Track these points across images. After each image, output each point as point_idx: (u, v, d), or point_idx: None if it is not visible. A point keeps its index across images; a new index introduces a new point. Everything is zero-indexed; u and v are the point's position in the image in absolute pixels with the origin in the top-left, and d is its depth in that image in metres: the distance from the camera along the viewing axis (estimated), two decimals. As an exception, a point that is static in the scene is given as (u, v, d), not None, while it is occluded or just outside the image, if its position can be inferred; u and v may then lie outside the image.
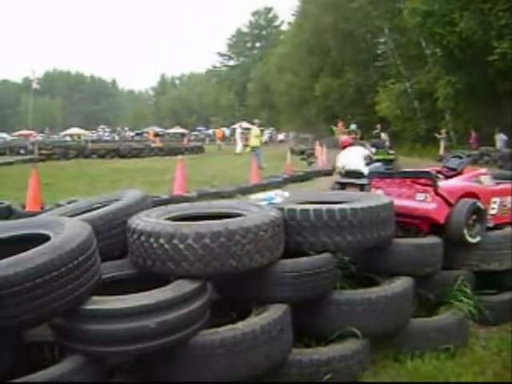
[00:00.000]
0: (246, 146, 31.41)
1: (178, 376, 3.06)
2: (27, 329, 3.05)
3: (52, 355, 3.17)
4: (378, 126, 27.90)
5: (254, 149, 22.73)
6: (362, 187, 8.76)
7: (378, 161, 6.81)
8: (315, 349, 3.63)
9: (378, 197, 4.50)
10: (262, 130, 23.98)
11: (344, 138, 12.88)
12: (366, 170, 9.05)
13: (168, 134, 68.47)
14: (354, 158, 10.63)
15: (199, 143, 49.07)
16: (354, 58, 43.17)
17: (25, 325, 2.83)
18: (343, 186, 10.09)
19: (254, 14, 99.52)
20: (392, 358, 3.91)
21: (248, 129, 41.40)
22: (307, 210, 3.80)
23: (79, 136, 58.61)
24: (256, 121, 25.26)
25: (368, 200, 4.14)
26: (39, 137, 54.93)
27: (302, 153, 31.59)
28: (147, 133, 63.21)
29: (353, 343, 3.64)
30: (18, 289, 2.62)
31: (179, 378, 3.06)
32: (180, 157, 14.89)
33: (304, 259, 3.67)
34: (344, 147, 11.68)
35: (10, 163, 27.97)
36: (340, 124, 37.24)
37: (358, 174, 9.74)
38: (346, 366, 3.52)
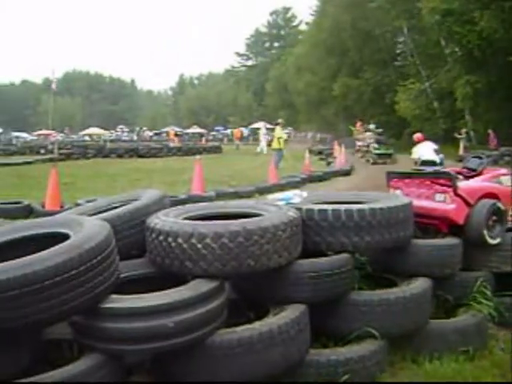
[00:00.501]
0: (269, 145, 31.26)
1: (196, 375, 3.07)
2: (46, 327, 3.07)
3: (71, 353, 3.20)
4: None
5: (275, 150, 22.66)
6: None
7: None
8: (333, 349, 3.61)
9: (396, 197, 4.47)
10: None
11: (418, 134, 15.64)
12: (437, 160, 11.34)
13: (186, 133, 68.63)
14: (427, 150, 13.42)
15: (217, 143, 49.18)
16: (373, 58, 43.06)
17: (44, 323, 2.86)
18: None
19: (272, 13, 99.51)
20: (410, 359, 3.88)
21: (271, 129, 41.42)
22: (325, 210, 3.79)
23: (100, 136, 59.00)
24: (280, 121, 25.06)
25: (387, 200, 4.12)
26: (59, 136, 55.42)
27: (321, 153, 31.54)
28: (167, 133, 63.38)
29: (371, 344, 3.62)
30: (38, 287, 2.64)
31: (196, 378, 3.07)
32: (198, 157, 14.93)
33: (322, 259, 3.66)
34: (418, 142, 14.55)
35: (30, 163, 28.21)
36: (358, 124, 37.11)
37: (431, 163, 10.86)
38: (364, 367, 3.50)
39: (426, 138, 15.43)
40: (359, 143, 30.81)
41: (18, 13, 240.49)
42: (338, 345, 3.69)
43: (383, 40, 42.52)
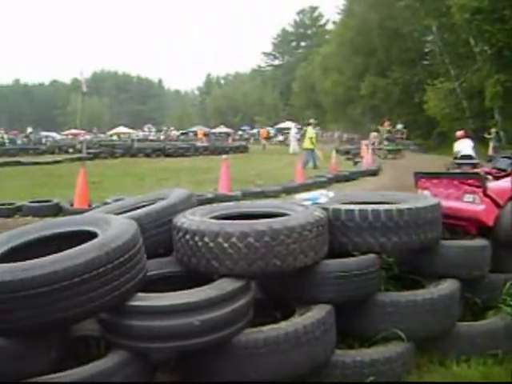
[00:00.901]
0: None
1: (221, 374, 3.08)
2: (74, 323, 3.11)
3: (98, 350, 3.24)
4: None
5: (307, 150, 22.61)
6: (473, 166, 13.86)
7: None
8: (359, 350, 3.59)
9: (424, 198, 4.43)
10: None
11: (460, 132, 18.06)
12: (474, 155, 15.26)
13: (213, 133, 68.85)
14: (466, 146, 16.31)
15: (244, 143, 49.20)
16: (401, 57, 42.66)
17: (72, 319, 2.89)
18: (459, 165, 15.31)
19: (299, 13, 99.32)
20: (437, 362, 3.83)
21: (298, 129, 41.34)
22: (352, 211, 3.77)
23: (127, 135, 59.53)
24: (311, 120, 24.95)
25: (415, 201, 4.08)
26: (87, 136, 56.00)
27: (347, 152, 31.38)
28: (195, 132, 63.67)
29: (397, 346, 3.59)
30: (67, 284, 2.68)
31: (222, 377, 3.08)
32: (225, 156, 14.96)
33: (348, 260, 3.65)
34: (459, 139, 17.26)
35: (59, 162, 28.57)
36: (386, 124, 36.85)
37: (468, 157, 15.30)
38: (390, 369, 3.47)
39: (466, 136, 17.78)
40: (365, 142, 32.07)
41: (47, 14, 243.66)
42: (363, 346, 3.67)
43: (411, 39, 42.11)
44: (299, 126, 51.60)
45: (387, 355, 3.49)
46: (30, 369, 2.75)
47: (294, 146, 34.11)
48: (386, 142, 32.66)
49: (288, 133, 59.97)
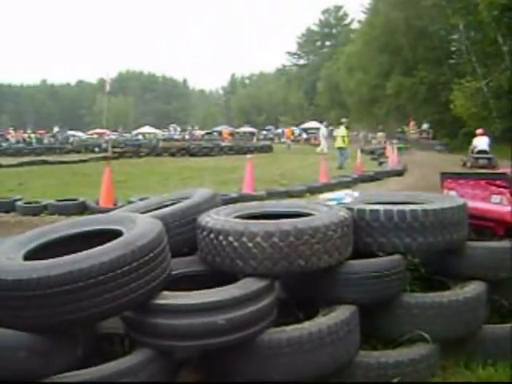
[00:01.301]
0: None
1: (244, 373, 3.08)
2: (99, 321, 3.13)
3: (122, 347, 3.26)
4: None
5: (339, 149, 22.55)
6: (489, 160, 19.59)
7: None
8: (383, 352, 3.56)
9: (450, 198, 4.38)
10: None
11: (480, 130, 22.00)
12: (488, 150, 20.26)
13: (237, 133, 68.99)
14: (483, 142, 20.86)
15: (268, 142, 49.22)
16: (427, 56, 42.26)
17: (97, 317, 2.91)
18: (476, 159, 20.51)
19: (323, 12, 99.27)
20: (463, 365, 3.78)
21: (318, 128, 41.06)
22: (377, 211, 3.74)
23: (153, 135, 59.91)
24: (343, 120, 24.85)
25: (440, 201, 4.04)
26: (112, 135, 56.51)
27: (372, 152, 31.22)
28: (219, 132, 63.89)
29: (422, 347, 3.55)
30: (92, 282, 2.70)
31: (245, 376, 3.07)
32: (249, 156, 14.98)
33: (373, 260, 3.62)
34: (477, 135, 21.72)
35: (85, 161, 28.91)
36: (412, 123, 36.62)
37: (484, 152, 20.09)
38: (415, 371, 3.44)
39: (484, 134, 22.06)
40: (374, 141, 33.04)
41: (74, 15, 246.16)
42: (388, 347, 3.64)
43: (437, 37, 41.75)
44: (317, 126, 51.47)
45: (411, 357, 3.46)
46: (56, 366, 2.78)
47: (323, 146, 33.98)
48: (395, 141, 33.13)
49: (313, 132, 59.88)
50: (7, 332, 2.73)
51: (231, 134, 58.95)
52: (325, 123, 39.32)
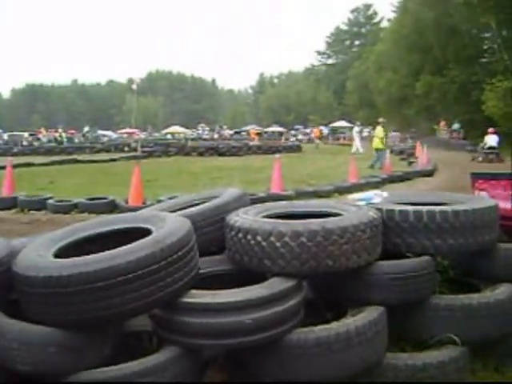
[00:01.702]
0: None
1: (271, 373, 3.07)
2: (128, 318, 3.16)
3: (150, 345, 3.29)
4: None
5: (376, 150, 22.40)
6: (497, 155, 24.47)
7: None
8: (411, 354, 3.52)
9: (481, 199, 4.33)
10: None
11: (491, 129, 26.10)
12: (496, 146, 24.67)
13: (266, 132, 68.95)
14: (493, 140, 25.24)
15: (297, 142, 49.12)
16: (458, 55, 41.69)
17: (126, 314, 2.94)
18: (487, 154, 24.79)
19: (353, 11, 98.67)
20: (492, 368, 3.73)
21: (347, 128, 40.85)
22: (406, 211, 3.71)
23: (181, 134, 60.23)
24: (380, 120, 24.68)
25: (471, 202, 3.99)
26: (142, 135, 56.99)
27: (402, 152, 30.95)
28: (248, 132, 63.97)
29: (451, 350, 3.51)
30: (121, 280, 2.73)
31: (272, 375, 3.07)
32: (277, 155, 14.97)
33: (402, 261, 3.58)
34: (488, 134, 25.94)
35: (115, 160, 29.21)
36: (442, 123, 36.19)
37: (493, 148, 24.32)
38: (443, 374, 3.39)
39: (495, 132, 26.15)
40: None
41: (105, 16, 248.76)
42: (416, 349, 3.61)
43: (468, 36, 41.15)
44: (347, 125, 51.19)
45: (440, 359, 3.41)
46: (85, 362, 2.82)
47: (357, 146, 33.78)
48: (410, 141, 35.25)
49: (342, 132, 59.58)
50: (38, 328, 2.78)
51: (259, 134, 58.89)
52: (358, 123, 39.10)
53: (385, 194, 4.55)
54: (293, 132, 68.18)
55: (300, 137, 56.52)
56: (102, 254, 2.84)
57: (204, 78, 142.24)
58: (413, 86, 45.88)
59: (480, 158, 25.60)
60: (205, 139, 56.48)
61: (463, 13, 38.26)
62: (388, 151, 22.10)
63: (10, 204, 11.93)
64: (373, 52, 65.22)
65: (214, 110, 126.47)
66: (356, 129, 37.68)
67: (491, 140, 25.80)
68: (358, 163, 17.14)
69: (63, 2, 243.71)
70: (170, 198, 7.10)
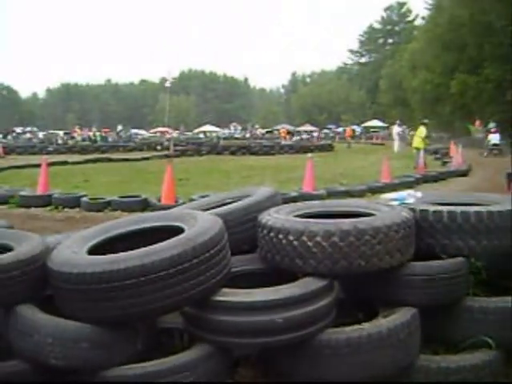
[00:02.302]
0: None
1: (301, 373, 3.06)
2: (159, 315, 3.19)
3: (181, 342, 3.31)
4: None
5: (416, 149, 22.23)
6: (499, 151, 28.93)
7: None
8: (444, 356, 3.47)
9: (517, 200, 4.24)
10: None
11: (493, 129, 29.88)
12: (499, 143, 29.43)
13: (298, 131, 68.86)
14: (495, 137, 29.43)
15: (329, 141, 48.94)
16: (493, 53, 41.00)
17: (158, 311, 2.97)
18: (491, 150, 29.18)
19: (386, 9, 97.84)
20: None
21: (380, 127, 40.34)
22: (440, 212, 3.66)
23: (213, 133, 60.53)
24: (425, 121, 24.44)
25: (507, 203, 3.91)
26: (174, 134, 57.39)
27: (436, 152, 30.59)
28: (278, 131, 64.08)
29: (484, 353, 3.44)
30: (154, 277, 2.76)
31: (302, 375, 3.06)
32: (309, 155, 14.93)
33: (436, 262, 3.53)
34: (492, 132, 29.80)
35: (148, 159, 29.48)
36: (477, 123, 35.63)
37: (496, 145, 28.93)
38: (477, 377, 3.34)
39: (497, 131, 30.07)
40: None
41: (138, 17, 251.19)
42: (449, 352, 3.56)
43: (504, 33, 40.35)
44: (381, 124, 50.59)
45: (474, 363, 3.36)
46: (117, 358, 2.85)
47: (397, 145, 33.48)
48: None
49: (375, 131, 59.10)
50: (71, 323, 2.83)
51: (289, 133, 58.95)
52: (398, 122, 38.74)
53: (418, 194, 4.50)
54: (340, 130, 67.95)
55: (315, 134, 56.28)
56: (134, 251, 2.87)
57: (236, 77, 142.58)
58: (447, 84, 45.29)
59: (485, 154, 29.30)
60: (237, 138, 56.63)
61: (499, 10, 37.62)
62: (423, 151, 21.87)
63: (45, 201, 12.11)
64: (406, 50, 64.56)
65: (245, 109, 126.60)
66: (396, 128, 37.24)
67: (494, 138, 30.05)
68: (392, 163, 16.97)
69: (98, 3, 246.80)
70: (202, 197, 7.11)
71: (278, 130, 68.22)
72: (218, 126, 76.16)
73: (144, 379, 2.74)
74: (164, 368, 2.78)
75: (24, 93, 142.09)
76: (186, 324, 3.21)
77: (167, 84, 32.82)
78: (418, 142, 22.31)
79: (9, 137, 55.09)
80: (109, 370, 2.79)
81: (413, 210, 3.69)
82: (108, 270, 2.73)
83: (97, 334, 2.81)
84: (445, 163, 23.65)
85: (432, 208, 3.74)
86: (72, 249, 3.15)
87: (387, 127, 66.02)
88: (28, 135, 56.28)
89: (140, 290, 2.76)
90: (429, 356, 3.44)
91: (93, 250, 3.28)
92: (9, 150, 35.11)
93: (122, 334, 2.92)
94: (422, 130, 22.75)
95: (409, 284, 3.42)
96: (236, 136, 63.12)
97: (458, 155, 22.52)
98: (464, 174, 18.89)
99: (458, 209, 3.67)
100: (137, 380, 2.75)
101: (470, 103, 43.91)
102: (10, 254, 3.10)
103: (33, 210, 11.71)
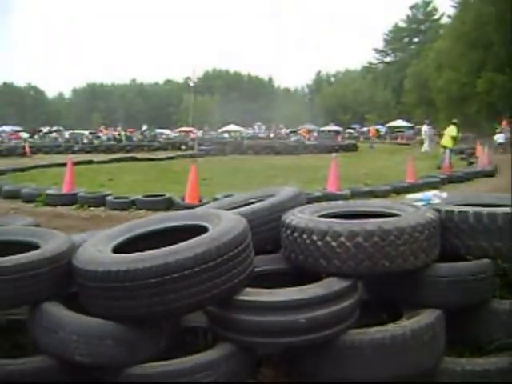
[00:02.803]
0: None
1: (324, 373, 3.06)
2: (184, 314, 3.21)
3: (205, 341, 3.33)
4: None
5: (444, 148, 22.07)
6: (504, 149, 31.93)
7: None
8: (469, 359, 3.43)
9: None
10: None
11: (498, 130, 33.84)
12: (504, 142, 33.14)
13: (322, 131, 68.68)
14: (500, 137, 33.91)
15: (353, 141, 48.72)
16: (521, 51, 40.48)
17: (182, 310, 2.99)
18: (496, 148, 31.10)
19: (411, 7, 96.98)
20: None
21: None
22: (466, 213, 3.62)
23: (239, 133, 60.71)
24: (455, 120, 24.26)
25: (535, 204, 3.86)
26: (199, 133, 57.64)
27: (462, 152, 30.28)
28: (298, 130, 64.26)
29: (511, 356, 3.41)
30: (178, 276, 2.78)
31: (325, 375, 3.06)
32: (334, 154, 14.87)
33: (461, 264, 3.50)
34: (498, 133, 34.17)
35: (172, 158, 29.62)
36: (504, 123, 35.15)
37: (502, 144, 32.93)
38: (503, 380, 3.31)
39: (501, 132, 34.09)
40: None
41: (163, 18, 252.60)
42: (474, 355, 3.52)
43: (532, 31, 39.87)
44: (406, 124, 49.96)
45: (500, 366, 3.31)
46: (140, 355, 2.88)
47: (427, 145, 33.24)
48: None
49: (401, 131, 58.62)
50: (96, 321, 2.86)
51: (309, 132, 59.24)
52: (427, 121, 38.37)
53: (444, 194, 4.46)
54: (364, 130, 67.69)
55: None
56: (159, 250, 2.89)
57: (261, 76, 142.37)
58: (473, 84, 44.79)
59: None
60: (261, 138, 56.67)
61: (527, 7, 37.14)
62: (449, 151, 21.67)
63: (71, 200, 12.25)
64: (432, 49, 63.94)
65: (269, 108, 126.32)
66: (426, 127, 36.87)
67: (500, 137, 34.05)
68: (417, 163, 16.83)
69: (124, 4, 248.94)
70: (226, 196, 7.14)
71: (298, 130, 68.20)
72: (242, 126, 76.25)
73: (167, 377, 2.76)
74: (186, 367, 2.80)
75: (50, 93, 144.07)
76: (209, 323, 3.22)
77: (191, 83, 33.02)
78: (447, 140, 22.10)
79: (35, 136, 55.74)
80: (132, 368, 2.82)
81: (438, 210, 3.66)
82: (132, 269, 2.76)
83: (121, 332, 2.84)
84: (471, 163, 23.40)
85: (457, 209, 3.71)
86: (97, 247, 3.18)
87: (412, 127, 65.52)
88: (54, 134, 56.87)
89: (164, 288, 2.78)
90: (453, 358, 3.40)
91: (117, 249, 3.31)
92: (35, 150, 35.50)
93: (146, 332, 2.94)
94: (452, 129, 22.53)
95: (434, 285, 3.39)
96: (260, 136, 63.16)
97: (484, 155, 22.26)
98: (490, 174, 18.66)
99: (485, 210, 3.62)
100: (160, 378, 2.77)
101: (496, 102, 43.35)
102: (36, 251, 3.15)
103: (59, 208, 11.86)
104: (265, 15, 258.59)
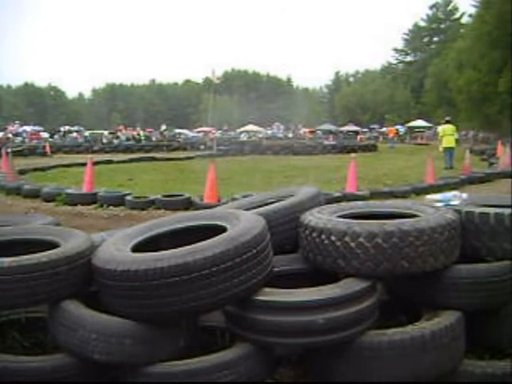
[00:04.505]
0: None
1: (342, 374, 3.04)
2: (202, 313, 3.21)
3: (223, 340, 3.33)
4: None
5: (450, 149, 22.00)
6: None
7: None
8: (489, 362, 3.39)
9: None
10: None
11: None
12: None
13: (341, 131, 68.51)
14: None
15: (372, 141, 48.52)
16: (545, 50, 39.99)
17: (200, 309, 2.99)
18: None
19: (432, 7, 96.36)
20: None
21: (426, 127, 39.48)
22: (487, 214, 3.58)
23: (256, 133, 60.84)
24: (448, 118, 24.11)
25: (557, 205, 3.81)
26: (217, 133, 57.79)
27: (483, 153, 30.00)
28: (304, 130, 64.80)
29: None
30: (196, 275, 2.79)
31: (343, 376, 3.04)
32: (353, 155, 14.81)
33: (482, 265, 3.46)
34: None
35: (191, 158, 29.74)
36: (526, 122, 34.81)
37: None
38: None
39: None
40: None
41: (183, 18, 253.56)
42: (494, 357, 3.48)
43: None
44: (425, 124, 49.28)
45: (521, 369, 3.29)
46: (159, 354, 2.89)
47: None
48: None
49: (421, 131, 58.22)
50: (115, 320, 2.88)
51: (312, 132, 59.98)
52: (443, 121, 38.19)
53: (464, 195, 4.42)
54: (384, 130, 67.39)
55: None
56: (178, 249, 2.90)
57: (279, 76, 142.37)
58: (495, 83, 44.32)
59: None
60: (280, 138, 56.70)
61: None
62: (468, 151, 21.52)
63: (91, 200, 12.36)
64: (453, 49, 63.41)
65: (288, 109, 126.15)
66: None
67: None
68: (437, 163, 16.71)
69: (143, 4, 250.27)
70: (245, 196, 7.14)
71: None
72: (260, 126, 76.23)
73: (186, 376, 2.77)
74: (204, 366, 2.81)
75: (71, 93, 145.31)
76: (227, 322, 3.23)
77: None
78: (450, 140, 22.09)
79: (55, 136, 56.24)
80: (152, 366, 2.83)
81: (458, 211, 3.63)
82: (152, 268, 2.77)
83: (140, 331, 2.86)
84: (491, 164, 23.17)
85: (478, 210, 3.67)
86: (116, 246, 3.20)
87: (432, 127, 65.04)
88: (74, 134, 57.35)
89: (183, 288, 2.79)
90: (473, 361, 3.37)
91: (137, 248, 3.33)
92: (55, 149, 35.84)
93: (165, 331, 2.95)
94: (452, 128, 22.48)
95: (454, 287, 3.36)
96: (279, 136, 63.14)
97: (505, 156, 22.03)
98: (512, 175, 18.47)
99: (506, 211, 3.59)
100: (179, 377, 2.78)
101: (518, 102, 42.90)
102: (56, 250, 3.18)
103: (79, 207, 11.96)
104: (284, 15, 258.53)
